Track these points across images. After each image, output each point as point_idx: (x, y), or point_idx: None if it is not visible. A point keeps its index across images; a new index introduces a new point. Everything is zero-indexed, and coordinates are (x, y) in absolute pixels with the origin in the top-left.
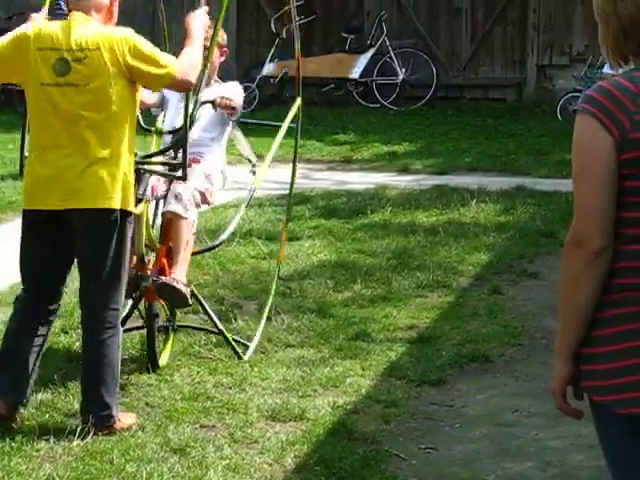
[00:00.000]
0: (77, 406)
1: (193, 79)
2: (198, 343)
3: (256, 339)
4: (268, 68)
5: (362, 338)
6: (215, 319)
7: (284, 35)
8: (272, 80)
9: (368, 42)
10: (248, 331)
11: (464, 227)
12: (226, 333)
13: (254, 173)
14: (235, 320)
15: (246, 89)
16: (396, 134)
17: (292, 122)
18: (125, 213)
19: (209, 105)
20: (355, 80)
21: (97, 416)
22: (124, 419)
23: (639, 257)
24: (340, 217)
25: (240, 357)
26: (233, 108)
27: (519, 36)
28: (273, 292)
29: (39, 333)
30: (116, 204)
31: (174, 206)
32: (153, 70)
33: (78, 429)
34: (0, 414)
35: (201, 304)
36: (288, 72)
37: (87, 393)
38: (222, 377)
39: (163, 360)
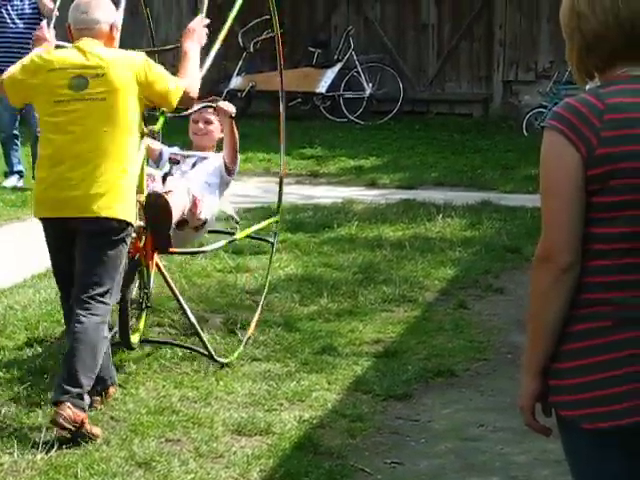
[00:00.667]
0: (41, 420)
1: (196, 96)
2: (164, 356)
3: (250, 331)
4: (235, 82)
5: (328, 352)
6: (190, 315)
7: (251, 49)
8: (239, 94)
9: (335, 56)
10: (214, 344)
11: (430, 242)
12: (201, 333)
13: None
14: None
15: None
16: (363, 148)
17: None
18: (127, 223)
19: (212, 157)
20: (322, 94)
21: (69, 392)
22: (94, 429)
23: (607, 272)
24: (307, 231)
25: (213, 359)
26: (231, 117)
27: (485, 52)
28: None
29: None
30: (119, 214)
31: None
32: (165, 89)
33: (41, 443)
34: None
35: (175, 296)
36: (255, 85)
37: (65, 370)
38: (188, 391)
39: (135, 339)
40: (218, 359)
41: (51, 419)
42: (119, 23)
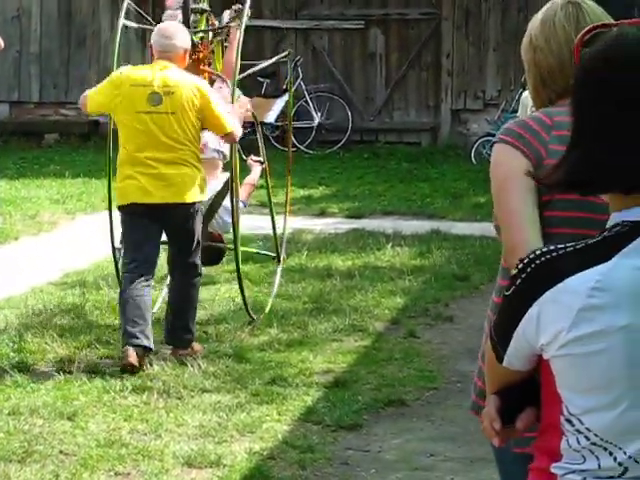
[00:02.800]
0: None
1: (237, 139)
2: (113, 389)
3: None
4: None
5: (278, 383)
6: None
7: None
8: None
9: (284, 86)
10: (164, 376)
11: (380, 271)
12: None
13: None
14: (151, 365)
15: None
16: (312, 178)
17: None
18: (200, 203)
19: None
20: (271, 124)
21: (182, 338)
22: (196, 347)
23: None
24: (256, 261)
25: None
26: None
27: (433, 81)
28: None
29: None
30: (194, 198)
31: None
32: (219, 120)
33: None
34: (132, 363)
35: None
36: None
37: (174, 321)
38: (137, 423)
39: None
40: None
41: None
42: (190, 47)
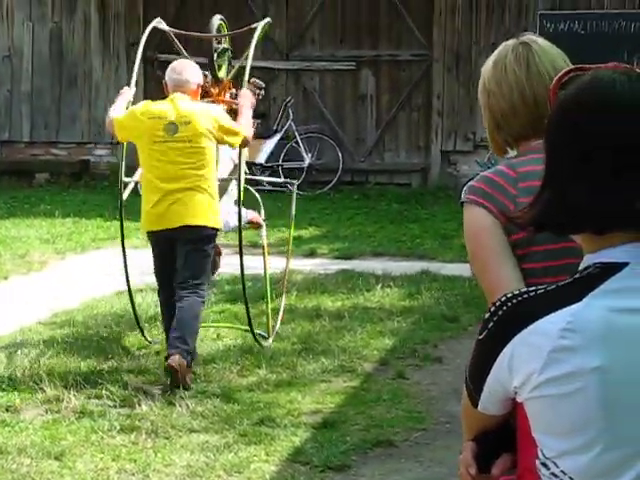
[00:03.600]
0: None
1: (251, 141)
2: (101, 429)
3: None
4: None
5: (266, 423)
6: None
7: None
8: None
9: (274, 127)
10: (152, 416)
11: (369, 312)
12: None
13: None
14: (139, 405)
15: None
16: (302, 218)
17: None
18: (215, 229)
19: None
20: (262, 165)
21: (180, 349)
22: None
23: None
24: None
25: (261, 345)
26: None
27: (424, 122)
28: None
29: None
30: (211, 223)
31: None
32: (232, 134)
33: None
34: (172, 366)
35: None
36: None
37: (176, 334)
38: (125, 463)
39: None
40: (259, 333)
41: (165, 365)
42: (202, 82)
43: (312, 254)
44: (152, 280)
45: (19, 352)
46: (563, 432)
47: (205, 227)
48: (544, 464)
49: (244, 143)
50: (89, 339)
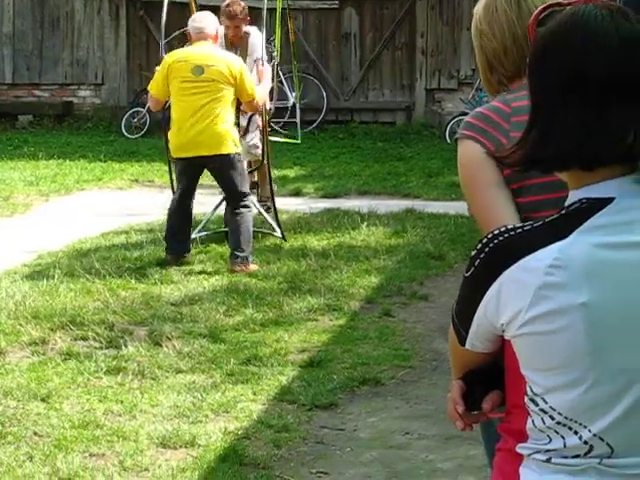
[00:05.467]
0: None
1: (260, 108)
2: (88, 370)
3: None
4: None
5: (253, 363)
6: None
7: None
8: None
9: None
10: (138, 357)
11: (355, 250)
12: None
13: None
14: (125, 346)
15: (136, 114)
16: (287, 158)
17: None
18: (236, 153)
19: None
20: None
21: (239, 256)
22: (252, 266)
23: None
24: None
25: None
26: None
27: (408, 61)
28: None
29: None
30: (231, 150)
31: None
32: (246, 91)
33: None
34: (169, 262)
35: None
36: None
37: (232, 244)
38: (112, 404)
39: None
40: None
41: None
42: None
43: (297, 193)
44: (137, 221)
45: (4, 294)
46: (551, 368)
47: (226, 155)
48: (533, 400)
49: (252, 105)
50: (74, 281)
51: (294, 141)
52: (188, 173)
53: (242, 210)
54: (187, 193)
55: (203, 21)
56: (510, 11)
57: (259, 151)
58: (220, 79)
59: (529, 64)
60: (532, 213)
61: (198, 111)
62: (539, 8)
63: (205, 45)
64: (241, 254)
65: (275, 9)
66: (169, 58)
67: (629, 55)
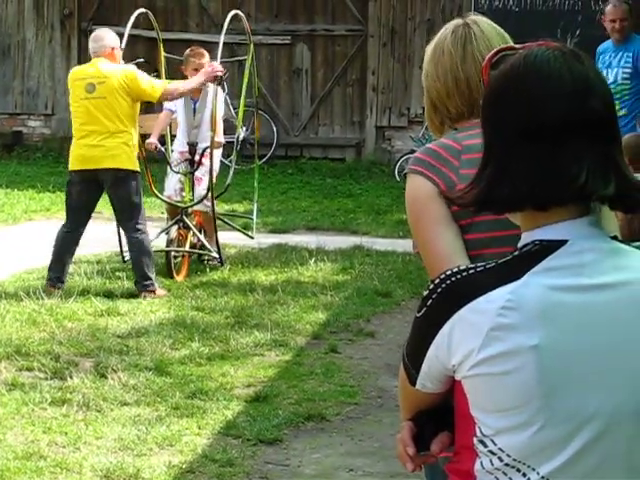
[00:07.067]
0: None
1: (172, 97)
2: (32, 401)
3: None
4: None
5: (199, 396)
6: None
7: None
8: None
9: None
10: (84, 389)
11: (302, 286)
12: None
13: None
14: (71, 377)
15: None
16: (236, 192)
17: None
18: (134, 171)
19: (209, 109)
20: None
21: (143, 284)
22: (159, 292)
23: None
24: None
25: (222, 264)
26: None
27: (358, 97)
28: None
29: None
30: (127, 165)
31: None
32: (147, 91)
33: None
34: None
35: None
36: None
37: (138, 272)
38: (56, 436)
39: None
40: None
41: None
42: (118, 45)
43: (245, 227)
44: (84, 253)
45: None
46: (501, 410)
47: (120, 169)
48: (482, 442)
49: (163, 97)
50: (20, 311)
51: (248, 234)
52: (82, 186)
53: (138, 236)
54: (82, 213)
55: (98, 39)
56: (455, 54)
57: (208, 203)
58: (112, 94)
59: (482, 107)
60: (481, 250)
61: (93, 127)
62: (492, 51)
63: (99, 62)
64: (148, 282)
65: (224, 43)
66: (70, 76)
67: (582, 98)
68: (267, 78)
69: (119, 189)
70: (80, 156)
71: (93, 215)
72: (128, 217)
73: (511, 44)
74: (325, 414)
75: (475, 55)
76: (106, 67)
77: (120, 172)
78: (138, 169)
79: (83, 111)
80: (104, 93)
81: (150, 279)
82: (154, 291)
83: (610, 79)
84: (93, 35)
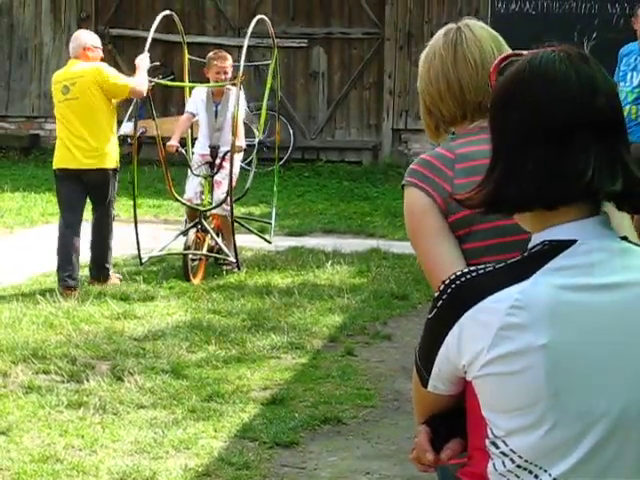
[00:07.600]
0: None
1: (141, 93)
2: (49, 404)
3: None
4: (125, 127)
5: (215, 399)
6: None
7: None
8: (129, 139)
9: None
10: (100, 392)
11: (319, 289)
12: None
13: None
14: (87, 380)
15: None
16: (252, 195)
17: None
18: (114, 169)
19: (230, 112)
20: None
21: (100, 272)
22: (114, 279)
23: None
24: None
25: (239, 268)
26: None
27: (375, 100)
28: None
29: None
30: (107, 165)
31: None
32: (117, 86)
33: None
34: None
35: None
36: (146, 131)
37: (93, 260)
38: (73, 439)
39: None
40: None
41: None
42: (92, 45)
43: (262, 231)
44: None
45: None
46: (512, 410)
47: (102, 169)
48: (494, 443)
49: (133, 93)
50: (37, 314)
51: (266, 238)
52: (68, 181)
53: (107, 221)
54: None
55: (73, 40)
56: (446, 56)
57: (227, 207)
58: (84, 93)
59: (489, 112)
60: (479, 258)
61: (71, 128)
62: (499, 57)
63: (74, 63)
64: (106, 268)
65: (240, 46)
66: (52, 80)
67: (589, 100)
68: (284, 81)
69: (98, 188)
70: (62, 155)
71: None
72: (102, 205)
73: (509, 50)
74: (341, 417)
75: (467, 57)
76: (77, 67)
77: (100, 172)
78: (117, 166)
79: (62, 113)
80: (77, 93)
81: (109, 266)
82: (111, 278)
83: (635, 83)
84: (72, 37)
